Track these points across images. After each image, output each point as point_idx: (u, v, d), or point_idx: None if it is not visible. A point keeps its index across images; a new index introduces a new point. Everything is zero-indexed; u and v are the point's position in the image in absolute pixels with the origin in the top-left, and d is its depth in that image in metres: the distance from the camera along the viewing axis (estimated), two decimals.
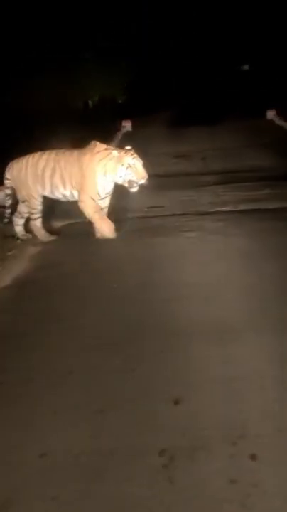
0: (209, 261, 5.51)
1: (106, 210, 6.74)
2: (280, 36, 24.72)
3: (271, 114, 18.37)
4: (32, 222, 6.89)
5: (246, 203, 7.77)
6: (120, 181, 6.47)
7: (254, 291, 4.68)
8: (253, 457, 2.74)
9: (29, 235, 6.91)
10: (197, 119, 18.58)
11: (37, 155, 6.85)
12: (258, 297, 4.56)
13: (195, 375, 3.47)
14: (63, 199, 6.84)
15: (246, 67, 30.27)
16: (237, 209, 7.52)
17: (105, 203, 6.73)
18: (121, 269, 5.49)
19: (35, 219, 6.87)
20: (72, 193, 6.68)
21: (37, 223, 6.87)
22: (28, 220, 6.92)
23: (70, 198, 6.75)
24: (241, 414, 3.05)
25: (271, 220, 6.67)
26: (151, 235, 6.48)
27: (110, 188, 6.61)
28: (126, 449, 2.87)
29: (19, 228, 7.00)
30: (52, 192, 6.76)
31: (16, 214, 6.97)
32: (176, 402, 3.19)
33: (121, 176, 6.41)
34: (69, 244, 6.55)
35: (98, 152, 6.55)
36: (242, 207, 7.59)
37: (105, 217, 6.62)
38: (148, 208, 7.48)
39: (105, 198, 6.68)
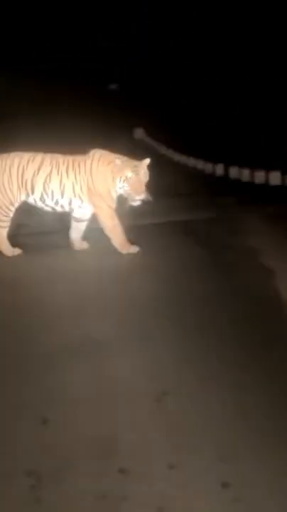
0: (79, 278, 5.52)
1: None
2: (149, 56, 25.36)
3: (139, 133, 18.78)
4: None
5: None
6: (122, 192, 6.09)
7: (124, 305, 4.76)
8: (121, 471, 2.76)
9: (17, 250, 6.33)
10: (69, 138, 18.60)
11: (26, 156, 6.26)
12: (129, 310, 4.64)
13: (64, 393, 3.46)
14: (51, 209, 6.28)
15: (113, 86, 30.71)
16: None
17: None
18: None
19: (3, 227, 6.23)
20: (70, 202, 6.21)
21: (3, 232, 6.25)
22: None
23: (66, 208, 6.26)
24: (109, 429, 3.07)
25: (145, 235, 6.78)
26: (21, 253, 6.36)
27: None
28: None
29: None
30: (41, 199, 6.20)
31: None
32: (44, 422, 3.16)
33: (120, 188, 6.06)
34: None
35: (106, 156, 6.18)
36: None
37: (123, 231, 6.18)
38: (18, 225, 7.34)
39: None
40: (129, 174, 5.99)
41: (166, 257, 6.06)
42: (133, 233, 6.52)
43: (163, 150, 19.32)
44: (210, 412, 3.23)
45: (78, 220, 6.41)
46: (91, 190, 6.15)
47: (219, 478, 2.68)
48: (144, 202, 6.09)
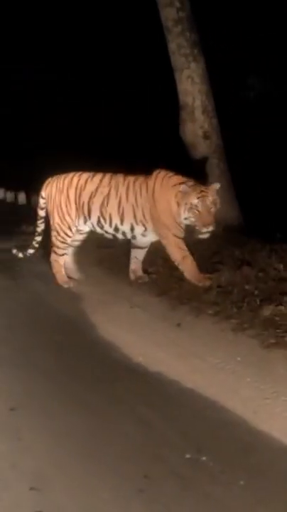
0: None
1: None
2: None
3: None
4: (53, 257, 5.71)
5: None
6: (188, 223, 5.24)
7: None
8: None
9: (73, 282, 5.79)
10: None
11: (85, 176, 5.61)
12: None
13: None
14: (112, 236, 5.61)
15: None
16: None
17: None
18: None
19: (59, 254, 5.68)
20: (133, 229, 5.47)
21: (60, 260, 5.70)
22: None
23: (128, 236, 5.56)
24: None
25: None
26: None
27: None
28: None
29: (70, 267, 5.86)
30: (99, 224, 5.53)
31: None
32: None
33: (185, 218, 5.19)
34: None
35: (170, 177, 5.34)
36: None
37: (194, 261, 5.32)
38: None
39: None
40: (195, 201, 5.11)
41: None
42: None
43: None
44: (21, 442, 3.20)
45: (137, 247, 5.74)
46: (155, 218, 5.40)
47: (31, 508, 2.66)
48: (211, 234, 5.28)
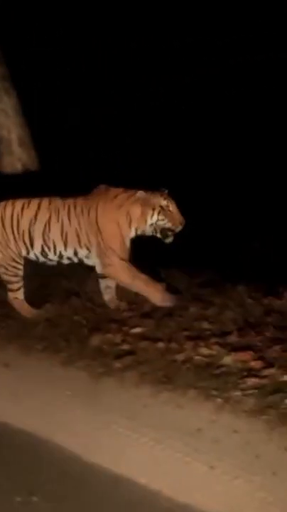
0: None
1: None
2: None
3: None
4: (11, 295, 5.22)
5: None
6: (150, 232, 4.94)
7: None
8: None
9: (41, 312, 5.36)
10: None
11: (18, 203, 5.14)
12: None
13: None
14: (56, 263, 5.22)
15: None
16: None
17: None
18: None
19: (15, 290, 5.21)
20: (76, 253, 5.10)
21: (19, 295, 5.24)
22: None
23: (75, 260, 5.18)
24: None
25: None
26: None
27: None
28: None
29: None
30: (43, 253, 5.15)
31: None
32: None
33: (151, 225, 4.91)
34: None
35: (116, 196, 4.98)
36: None
37: (151, 279, 4.90)
38: None
39: None
40: (164, 202, 4.90)
41: None
42: None
43: None
44: None
45: (103, 276, 5.23)
46: (99, 243, 5.04)
47: None
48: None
